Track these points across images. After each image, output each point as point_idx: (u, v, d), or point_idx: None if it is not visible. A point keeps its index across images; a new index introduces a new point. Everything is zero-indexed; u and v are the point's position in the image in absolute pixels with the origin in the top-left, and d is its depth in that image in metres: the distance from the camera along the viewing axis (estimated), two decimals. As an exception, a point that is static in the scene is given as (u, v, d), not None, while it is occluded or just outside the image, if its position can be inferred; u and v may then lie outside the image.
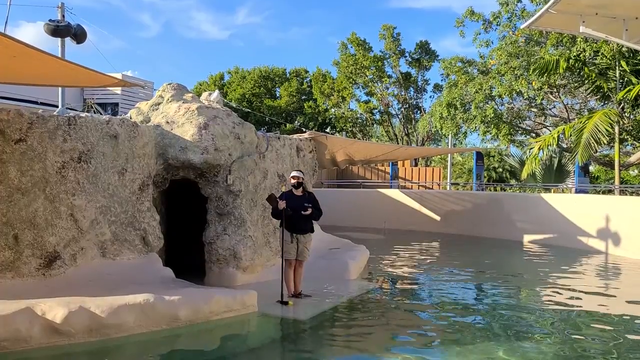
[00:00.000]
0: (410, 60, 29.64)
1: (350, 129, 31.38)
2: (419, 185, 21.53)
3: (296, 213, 7.32)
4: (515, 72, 18.31)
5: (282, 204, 7.20)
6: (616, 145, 15.51)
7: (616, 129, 15.00)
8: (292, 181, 7.56)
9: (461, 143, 27.92)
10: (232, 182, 8.28)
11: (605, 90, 16.18)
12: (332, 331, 6.56)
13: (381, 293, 8.51)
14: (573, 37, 16.71)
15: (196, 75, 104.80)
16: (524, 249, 14.09)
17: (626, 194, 16.40)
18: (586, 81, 16.89)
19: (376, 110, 31.46)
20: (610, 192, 17.42)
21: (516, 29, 19.36)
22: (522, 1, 19.41)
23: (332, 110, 32.26)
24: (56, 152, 6.64)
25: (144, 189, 7.65)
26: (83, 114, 7.43)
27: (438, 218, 17.51)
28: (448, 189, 22.09)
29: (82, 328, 5.44)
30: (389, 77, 29.71)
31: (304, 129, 25.54)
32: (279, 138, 9.77)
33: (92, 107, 17.75)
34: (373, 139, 34.69)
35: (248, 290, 6.97)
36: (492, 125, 19.45)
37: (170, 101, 8.79)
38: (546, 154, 19.11)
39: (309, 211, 7.39)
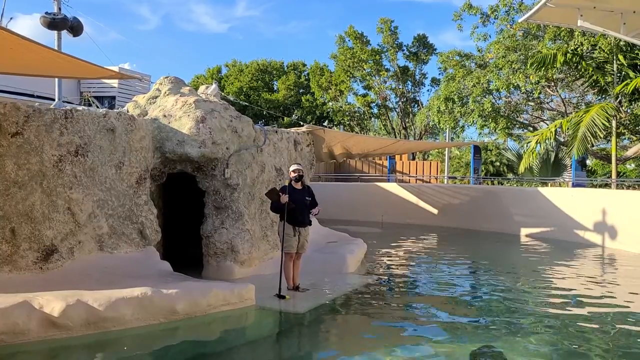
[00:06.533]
0: (408, 53, 29.61)
1: (347, 122, 31.36)
2: (416, 179, 21.54)
3: (298, 206, 7.35)
4: (513, 66, 18.29)
5: (284, 198, 7.21)
6: (613, 139, 15.53)
7: (613, 122, 15.04)
8: (293, 175, 7.57)
9: (459, 137, 27.96)
10: (229, 175, 8.27)
11: (603, 84, 16.19)
12: (330, 324, 6.59)
13: (378, 286, 8.53)
14: (571, 31, 16.69)
15: (194, 69, 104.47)
16: (521, 242, 14.14)
17: (623, 188, 16.43)
18: (584, 75, 16.89)
19: (374, 104, 31.45)
20: (607, 185, 17.46)
21: (514, 23, 19.33)
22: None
23: (330, 103, 32.23)
24: (53, 145, 6.62)
25: (141, 182, 7.64)
26: (80, 107, 7.41)
27: (435, 211, 17.54)
28: (445, 182, 22.11)
29: (80, 321, 5.45)
30: (387, 70, 29.68)
31: (301, 123, 25.54)
32: (276, 131, 9.76)
33: (89, 101, 17.69)
34: (371, 132, 34.69)
35: (246, 283, 6.98)
36: (490, 119, 19.46)
37: (167, 94, 8.77)
38: (543, 148, 19.13)
39: (317, 211, 7.61)
